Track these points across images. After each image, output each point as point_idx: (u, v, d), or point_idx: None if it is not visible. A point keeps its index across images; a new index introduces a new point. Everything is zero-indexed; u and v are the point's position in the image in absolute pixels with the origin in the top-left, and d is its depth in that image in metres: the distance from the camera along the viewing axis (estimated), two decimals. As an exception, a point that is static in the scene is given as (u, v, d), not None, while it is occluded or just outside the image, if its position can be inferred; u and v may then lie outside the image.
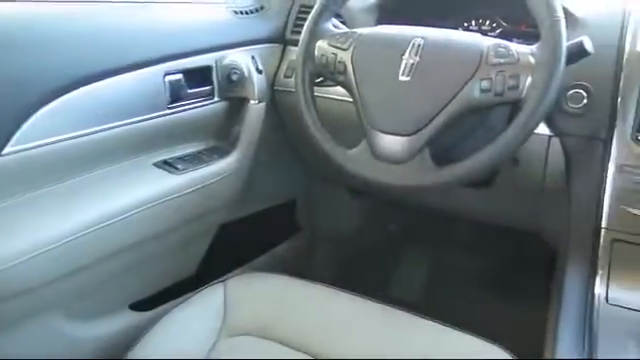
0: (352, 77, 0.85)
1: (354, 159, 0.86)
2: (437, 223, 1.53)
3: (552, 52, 0.74)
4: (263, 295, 0.93)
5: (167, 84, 1.01)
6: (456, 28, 1.10)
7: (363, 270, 1.61)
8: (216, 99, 1.12)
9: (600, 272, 0.91)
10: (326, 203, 1.57)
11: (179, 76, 1.04)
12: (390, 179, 0.82)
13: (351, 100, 0.87)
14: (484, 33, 1.08)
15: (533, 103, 0.74)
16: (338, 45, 0.88)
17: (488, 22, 1.09)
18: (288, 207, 1.54)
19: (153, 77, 0.99)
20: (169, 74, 1.02)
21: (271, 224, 1.46)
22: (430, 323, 0.86)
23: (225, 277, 0.98)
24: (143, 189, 0.99)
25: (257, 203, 1.37)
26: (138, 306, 1.10)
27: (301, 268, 1.54)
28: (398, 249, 1.66)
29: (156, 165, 1.06)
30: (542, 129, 0.95)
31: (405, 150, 0.80)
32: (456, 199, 1.20)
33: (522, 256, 1.49)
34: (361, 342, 0.84)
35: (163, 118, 1.02)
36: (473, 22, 1.11)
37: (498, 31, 1.08)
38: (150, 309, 1.10)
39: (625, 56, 0.87)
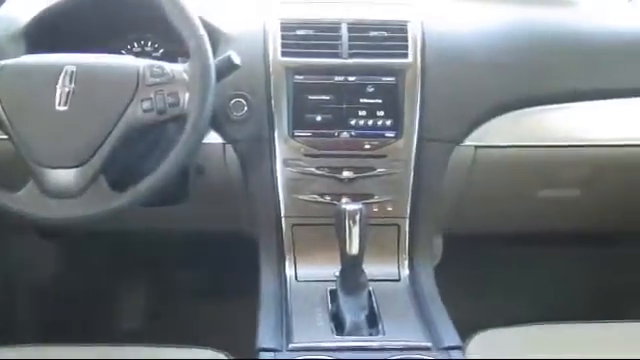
0: (2, 113, 0.79)
1: (23, 200, 0.80)
2: (150, 244, 1.51)
3: (201, 68, 0.80)
4: None
5: None
6: (119, 52, 1.09)
7: (80, 313, 1.49)
8: None
9: (288, 256, 1.02)
10: (16, 252, 1.40)
11: None
12: (67, 213, 0.79)
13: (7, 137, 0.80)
14: (148, 55, 1.10)
15: (194, 116, 0.80)
16: None
17: (150, 43, 1.12)
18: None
19: None
20: None
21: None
22: (146, 349, 0.85)
23: None
24: None
25: None
26: None
27: (2, 331, 1.35)
28: (115, 280, 1.59)
29: None
30: (217, 138, 1.02)
31: (78, 182, 0.78)
32: (161, 217, 1.21)
33: (236, 258, 1.58)
34: None
35: None
36: (135, 44, 1.12)
37: (161, 51, 1.12)
38: None
39: (271, 65, 0.99)
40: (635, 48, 1.10)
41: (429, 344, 0.84)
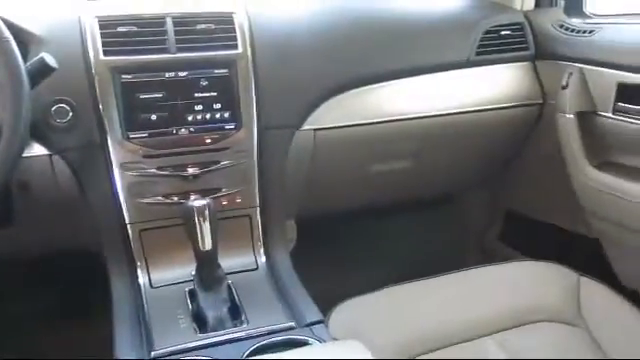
0: None
1: None
2: None
3: (10, 74, 0.73)
4: None
5: None
6: None
7: None
8: None
9: (139, 264, 0.98)
10: None
11: None
12: None
13: None
14: None
15: (8, 128, 0.73)
16: None
17: None
18: None
19: None
20: None
21: None
22: None
23: None
24: None
25: None
26: None
27: None
28: None
29: None
30: (41, 150, 0.93)
31: None
32: None
33: (84, 275, 1.47)
34: None
35: None
36: None
37: None
38: None
39: (93, 66, 0.93)
40: (445, 26, 1.22)
41: (292, 324, 0.87)
